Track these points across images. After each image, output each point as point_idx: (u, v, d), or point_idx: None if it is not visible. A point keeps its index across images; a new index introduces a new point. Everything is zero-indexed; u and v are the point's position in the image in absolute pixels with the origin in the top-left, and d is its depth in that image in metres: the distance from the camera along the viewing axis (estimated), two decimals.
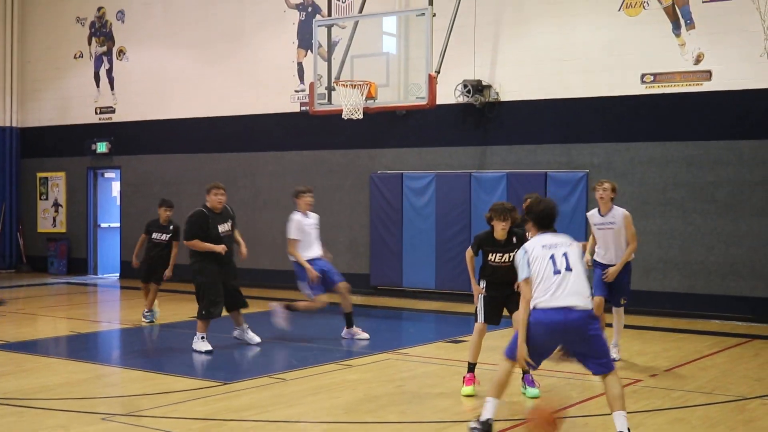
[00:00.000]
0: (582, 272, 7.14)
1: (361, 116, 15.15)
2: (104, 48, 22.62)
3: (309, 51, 18.86)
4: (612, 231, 10.93)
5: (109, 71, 22.52)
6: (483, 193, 16.88)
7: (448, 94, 16.83)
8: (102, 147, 22.45)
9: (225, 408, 8.66)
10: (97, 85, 22.72)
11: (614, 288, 11.04)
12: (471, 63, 17.07)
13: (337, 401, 8.96)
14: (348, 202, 18.27)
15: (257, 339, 12.25)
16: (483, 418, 7.31)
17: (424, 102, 14.72)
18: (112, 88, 22.50)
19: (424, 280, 17.38)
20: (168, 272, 13.98)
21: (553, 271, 7.00)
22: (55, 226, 23.39)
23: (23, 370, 10.66)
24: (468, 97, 16.82)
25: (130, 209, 21.84)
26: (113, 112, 22.45)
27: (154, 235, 14.17)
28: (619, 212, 10.94)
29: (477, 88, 16.81)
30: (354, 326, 12.65)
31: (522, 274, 7.11)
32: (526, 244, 7.34)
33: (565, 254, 7.12)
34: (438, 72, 14.92)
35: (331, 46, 16.52)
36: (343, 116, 15.18)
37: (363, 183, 18.34)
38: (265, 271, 19.35)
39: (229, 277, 11.94)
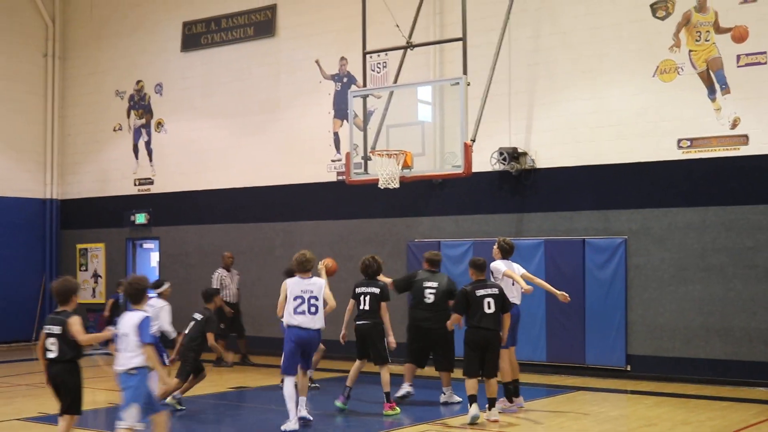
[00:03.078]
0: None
1: (397, 185, 15.20)
2: (143, 120, 22.96)
3: (345, 121, 19.03)
4: None
5: (148, 143, 22.83)
6: (520, 260, 16.69)
7: (484, 161, 16.87)
8: (141, 218, 22.68)
9: None
10: (136, 157, 23.03)
11: None
12: (506, 130, 17.13)
13: None
14: (385, 270, 18.10)
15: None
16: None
17: (460, 170, 14.75)
18: (150, 160, 22.78)
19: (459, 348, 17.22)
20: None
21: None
22: (94, 296, 23.53)
23: None
24: (504, 164, 16.85)
25: (169, 279, 21.85)
26: (152, 183, 22.71)
27: None
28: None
29: (513, 155, 16.84)
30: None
31: None
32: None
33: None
34: (473, 140, 14.98)
35: (367, 115, 16.65)
36: (379, 185, 15.24)
37: (400, 251, 18.34)
38: None
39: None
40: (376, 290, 12.66)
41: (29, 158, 24.18)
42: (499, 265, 12.44)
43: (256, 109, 20.88)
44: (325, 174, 19.63)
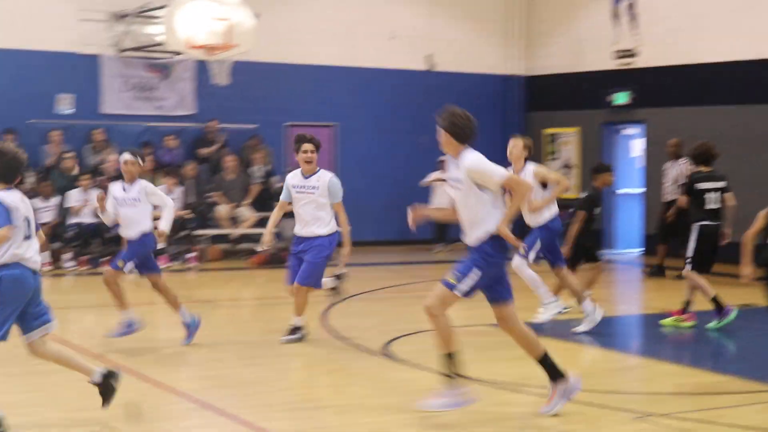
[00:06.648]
0: None
1: None
2: None
3: None
4: None
5: (631, 7, 22.72)
6: None
7: None
8: (621, 98, 22.82)
9: None
10: (617, 24, 23.03)
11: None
12: None
13: None
14: None
15: None
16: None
17: None
18: (634, 27, 22.70)
19: None
20: None
21: None
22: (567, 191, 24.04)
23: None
24: None
25: (656, 172, 21.80)
26: (635, 56, 22.67)
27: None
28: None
29: None
30: None
31: None
32: None
33: None
34: None
35: None
36: None
37: None
38: None
39: None
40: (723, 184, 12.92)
41: (491, 29, 25.06)
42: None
43: None
44: None
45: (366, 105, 23.56)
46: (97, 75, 21.28)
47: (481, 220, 8.18)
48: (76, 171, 19.91)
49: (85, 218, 19.25)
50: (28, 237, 7.78)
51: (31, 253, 7.80)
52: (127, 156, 11.51)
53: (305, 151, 11.49)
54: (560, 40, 24.53)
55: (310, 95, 23.01)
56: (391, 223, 23.22)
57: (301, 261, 11.42)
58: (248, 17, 19.14)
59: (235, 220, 20.63)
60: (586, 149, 23.82)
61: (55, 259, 18.88)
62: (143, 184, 11.46)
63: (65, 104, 20.89)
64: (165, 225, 11.47)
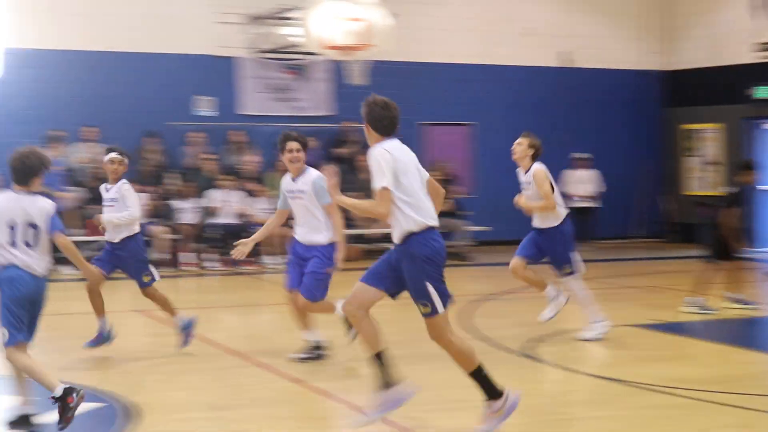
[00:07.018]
0: None
1: None
2: None
3: None
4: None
5: None
6: None
7: None
8: (762, 92, 22.39)
9: None
10: (756, 17, 22.53)
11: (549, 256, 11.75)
12: None
13: None
14: None
15: None
16: None
17: None
18: None
19: None
20: None
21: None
22: (704, 188, 23.64)
23: (686, 355, 10.98)
24: None
25: None
26: None
27: None
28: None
29: None
30: None
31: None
32: None
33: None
34: None
35: None
36: None
37: None
38: None
39: None
40: None
41: (627, 24, 24.80)
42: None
43: None
44: None
45: (503, 103, 23.46)
46: (235, 77, 21.62)
47: (396, 219, 7.57)
48: (217, 172, 20.17)
49: (226, 218, 19.53)
50: (12, 243, 7.60)
51: (24, 258, 7.58)
52: (113, 155, 10.78)
53: (290, 150, 10.26)
54: (698, 33, 24.17)
55: (446, 94, 23.01)
56: (527, 222, 22.97)
57: (301, 267, 10.37)
58: (385, 17, 19.14)
59: (373, 220, 20.68)
60: (727, 145, 23.37)
61: (198, 259, 19.19)
62: (121, 184, 10.78)
63: (204, 106, 21.23)
64: (109, 216, 10.66)
